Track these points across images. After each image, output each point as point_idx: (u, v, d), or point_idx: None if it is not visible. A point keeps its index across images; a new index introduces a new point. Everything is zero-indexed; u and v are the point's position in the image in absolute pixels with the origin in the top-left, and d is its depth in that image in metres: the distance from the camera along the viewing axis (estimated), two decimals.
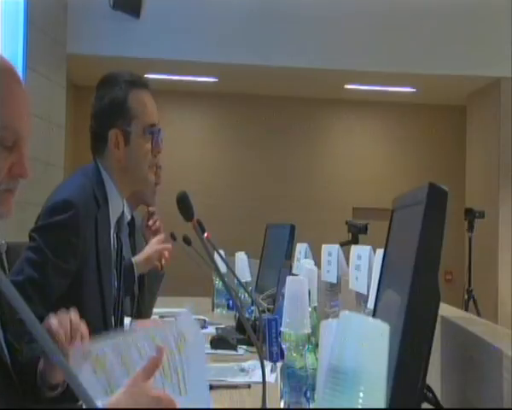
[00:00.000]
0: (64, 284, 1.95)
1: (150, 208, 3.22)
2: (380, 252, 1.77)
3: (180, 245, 3.12)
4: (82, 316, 1.99)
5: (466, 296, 6.48)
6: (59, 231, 1.95)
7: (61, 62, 6.81)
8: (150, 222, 3.27)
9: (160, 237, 2.86)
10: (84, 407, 0.68)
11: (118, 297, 2.20)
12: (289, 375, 1.59)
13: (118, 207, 2.16)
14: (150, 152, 2.18)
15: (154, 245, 2.79)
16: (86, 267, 2.00)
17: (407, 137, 9.12)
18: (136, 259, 2.75)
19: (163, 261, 2.85)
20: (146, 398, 1.18)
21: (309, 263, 2.54)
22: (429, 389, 1.19)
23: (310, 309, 1.65)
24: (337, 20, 7.25)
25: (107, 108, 2.15)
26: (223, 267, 3.27)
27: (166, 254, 2.80)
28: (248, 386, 2.02)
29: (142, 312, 3.07)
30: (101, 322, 2.04)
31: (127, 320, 2.79)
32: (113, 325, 2.12)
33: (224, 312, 3.80)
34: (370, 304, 1.86)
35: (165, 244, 2.82)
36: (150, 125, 2.19)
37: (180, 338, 1.31)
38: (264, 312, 2.70)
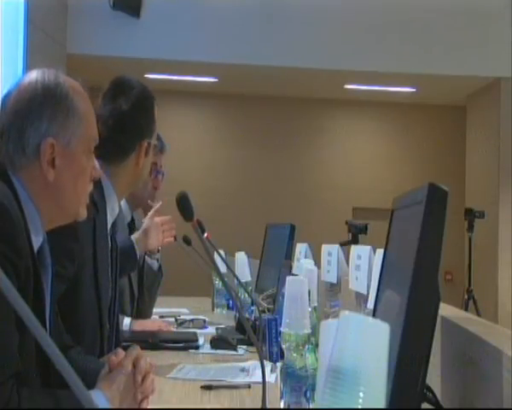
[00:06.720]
0: (60, 289, 1.94)
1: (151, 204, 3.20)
2: (380, 252, 1.77)
3: (180, 245, 3.12)
4: (78, 319, 1.99)
5: (466, 296, 6.48)
6: (56, 236, 1.95)
7: (61, 62, 6.80)
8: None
9: (163, 218, 2.75)
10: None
11: (113, 298, 2.19)
12: (289, 375, 1.59)
13: (114, 209, 2.16)
14: None
15: (151, 220, 2.72)
16: (83, 271, 1.99)
17: (407, 137, 9.12)
18: (135, 236, 2.68)
19: (168, 239, 2.77)
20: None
21: (309, 263, 2.54)
22: (429, 389, 1.19)
23: (310, 309, 1.65)
24: (337, 20, 7.25)
25: (139, 118, 2.16)
26: (223, 267, 3.27)
27: (167, 230, 2.74)
28: (248, 386, 2.02)
29: (141, 312, 3.07)
30: (98, 323, 2.03)
31: (127, 321, 2.79)
32: (108, 327, 2.11)
33: (224, 312, 3.80)
34: (370, 304, 1.86)
35: (164, 217, 2.74)
36: None
37: None
38: (264, 312, 2.70)
